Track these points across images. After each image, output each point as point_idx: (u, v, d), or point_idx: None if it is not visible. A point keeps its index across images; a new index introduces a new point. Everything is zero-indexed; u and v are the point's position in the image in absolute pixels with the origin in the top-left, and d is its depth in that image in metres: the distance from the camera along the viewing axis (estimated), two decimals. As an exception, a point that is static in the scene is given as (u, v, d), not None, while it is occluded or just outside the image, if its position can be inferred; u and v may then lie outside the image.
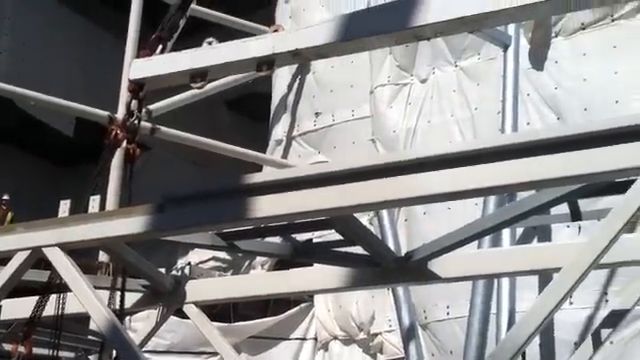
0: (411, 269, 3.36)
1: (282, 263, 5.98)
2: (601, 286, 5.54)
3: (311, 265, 3.93)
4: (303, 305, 7.60)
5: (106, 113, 7.35)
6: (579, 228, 3.36)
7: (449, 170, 2.57)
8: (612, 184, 2.68)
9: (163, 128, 7.53)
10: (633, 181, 2.32)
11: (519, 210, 3.22)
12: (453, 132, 6.76)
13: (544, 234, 5.57)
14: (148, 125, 7.11)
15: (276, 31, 2.94)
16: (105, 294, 3.37)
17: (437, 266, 3.47)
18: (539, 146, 2.45)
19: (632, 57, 5.93)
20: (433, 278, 3.43)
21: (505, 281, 5.57)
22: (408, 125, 7.07)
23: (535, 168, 2.46)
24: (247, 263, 8.02)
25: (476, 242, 4.37)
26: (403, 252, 5.65)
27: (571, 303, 5.45)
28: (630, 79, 5.88)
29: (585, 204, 3.34)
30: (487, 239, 4.99)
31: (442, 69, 7.00)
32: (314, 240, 5.74)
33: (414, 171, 2.61)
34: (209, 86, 3.30)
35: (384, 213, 6.51)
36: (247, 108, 11.19)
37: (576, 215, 3.26)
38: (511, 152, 2.49)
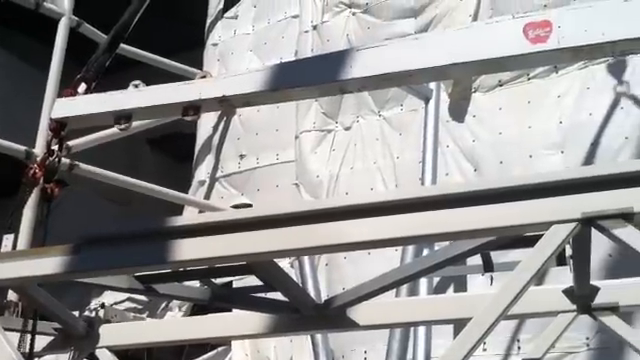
0: (330, 316, 3.40)
1: (200, 306, 5.89)
2: (513, 333, 5.71)
3: (230, 310, 3.90)
4: (220, 349, 7.47)
5: (23, 148, 7.13)
6: (491, 279, 3.49)
7: (369, 219, 2.64)
8: (521, 237, 2.80)
9: (82, 165, 7.35)
10: (541, 235, 2.44)
11: (435, 260, 3.32)
12: (375, 179, 6.89)
13: (460, 283, 5.73)
14: (67, 161, 6.93)
15: (204, 77, 2.98)
16: (14, 336, 3.26)
17: (356, 313, 3.52)
18: (456, 199, 2.55)
19: (545, 114, 6.22)
20: (351, 326, 3.47)
21: (422, 327, 5.67)
22: (331, 171, 7.17)
23: (452, 220, 2.56)
24: (164, 305, 7.85)
25: (394, 290, 4.46)
26: (323, 297, 5.69)
27: (485, 350, 5.60)
28: (543, 135, 6.16)
29: (497, 256, 3.48)
30: (405, 287, 5.08)
31: (366, 118, 7.17)
32: (234, 284, 5.69)
33: (335, 219, 2.66)
34: (132, 124, 3.28)
35: (305, 258, 6.54)
36: (170, 148, 11.08)
37: (488, 266, 3.38)
38: (430, 204, 2.57)
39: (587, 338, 5.41)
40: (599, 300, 3.19)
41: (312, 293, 6.20)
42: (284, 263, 6.72)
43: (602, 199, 2.30)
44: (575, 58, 3.05)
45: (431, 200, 2.58)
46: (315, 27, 7.64)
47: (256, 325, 3.58)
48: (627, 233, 2.26)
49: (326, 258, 6.81)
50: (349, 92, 3.10)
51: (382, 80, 2.94)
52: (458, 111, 6.63)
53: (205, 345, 7.40)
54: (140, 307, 7.73)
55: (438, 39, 2.88)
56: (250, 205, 8.21)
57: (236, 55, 8.34)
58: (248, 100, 3.04)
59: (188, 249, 2.76)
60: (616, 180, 2.30)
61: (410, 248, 5.56)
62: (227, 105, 3.06)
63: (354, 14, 7.40)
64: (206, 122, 8.37)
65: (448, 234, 2.69)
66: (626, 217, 2.26)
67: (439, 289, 5.89)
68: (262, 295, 3.52)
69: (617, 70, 5.98)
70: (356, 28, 7.32)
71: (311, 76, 2.99)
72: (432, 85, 6.50)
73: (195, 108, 2.93)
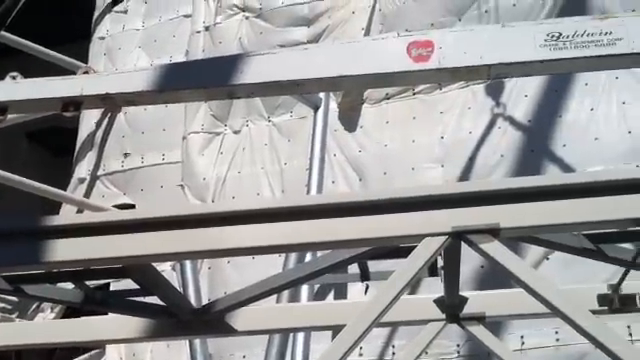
0: (208, 321, 3.38)
1: (74, 308, 5.70)
2: (388, 339, 5.88)
3: (105, 312, 3.79)
4: (93, 352, 7.23)
5: None
6: (366, 287, 3.61)
7: (252, 225, 2.64)
8: (397, 248, 2.90)
9: (-49, 155, 6.91)
10: (414, 247, 2.53)
11: (316, 267, 3.37)
12: (262, 184, 6.92)
13: (340, 291, 5.86)
14: None
15: (86, 72, 2.88)
16: None
17: (234, 319, 3.52)
18: (336, 209, 2.60)
19: (428, 129, 6.47)
20: (230, 331, 3.47)
21: (301, 333, 5.73)
22: (218, 174, 7.13)
23: (332, 229, 2.61)
24: (35, 306, 7.52)
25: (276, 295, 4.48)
26: (205, 301, 5.63)
27: (361, 355, 5.74)
28: (425, 149, 6.40)
29: (375, 264, 3.58)
30: (286, 293, 5.12)
31: (256, 122, 7.19)
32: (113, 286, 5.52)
33: (217, 224, 2.65)
34: (10, 115, 3.14)
35: (187, 261, 6.46)
36: (50, 142, 10.64)
37: (365, 275, 3.48)
38: (311, 212, 2.62)
39: (458, 345, 5.66)
40: (468, 310, 3.35)
41: (193, 297, 6.14)
42: (165, 266, 6.61)
43: (472, 214, 2.42)
44: (454, 78, 3.18)
45: (312, 209, 2.63)
46: (207, 28, 7.58)
47: (131, 329, 3.51)
48: (493, 248, 2.39)
49: (209, 262, 6.76)
50: (238, 97, 3.09)
51: (271, 88, 2.95)
52: (349, 121, 6.78)
53: (77, 348, 7.14)
54: (9, 307, 7.37)
55: (326, 51, 2.93)
56: (132, 206, 8.06)
57: (124, 51, 8.12)
58: (133, 99, 2.97)
59: (62, 250, 2.67)
60: (485, 197, 2.43)
61: (293, 254, 5.62)
62: (110, 103, 2.98)
63: (247, 18, 7.41)
64: (89, 118, 8.10)
65: (328, 243, 2.74)
66: (493, 232, 2.39)
67: (320, 296, 5.98)
68: (140, 299, 3.45)
69: (495, 91, 6.30)
70: (249, 32, 7.33)
71: (200, 79, 2.96)
72: (322, 94, 6.61)
73: (76, 104, 2.83)
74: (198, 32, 7.60)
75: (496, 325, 5.22)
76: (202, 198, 7.06)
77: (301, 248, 3.90)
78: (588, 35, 2.66)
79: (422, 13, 6.55)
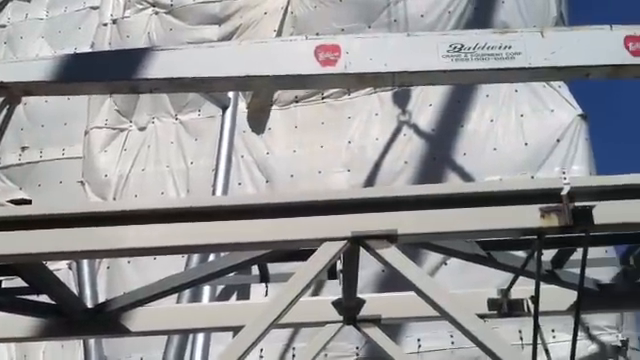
0: (101, 321, 3.28)
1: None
2: (289, 341, 5.89)
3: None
4: (-19, 353, 6.90)
5: None
6: (266, 289, 3.59)
7: (152, 225, 2.59)
8: (297, 251, 2.91)
9: None
10: (315, 250, 2.55)
11: (216, 268, 3.33)
12: (167, 183, 6.79)
13: (244, 292, 5.82)
14: None
15: (-20, 60, 2.75)
16: None
17: (130, 319, 3.43)
18: (242, 211, 2.58)
19: (336, 134, 6.54)
20: (123, 331, 3.38)
21: (200, 334, 5.66)
22: (121, 171, 6.95)
23: (232, 231, 2.59)
24: None
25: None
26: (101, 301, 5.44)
27: (261, 357, 5.73)
28: (333, 153, 6.46)
29: (278, 266, 3.59)
30: (186, 294, 5.04)
31: (162, 120, 7.06)
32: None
33: (113, 223, 2.58)
34: None
35: (84, 260, 6.26)
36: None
37: (265, 277, 3.47)
38: (215, 214, 2.59)
39: (357, 348, 5.73)
40: (365, 312, 3.40)
41: (89, 297, 5.96)
42: (62, 264, 6.39)
43: (371, 220, 2.46)
44: (360, 84, 3.23)
45: (216, 210, 2.60)
46: (115, 21, 7.38)
47: (21, 328, 3.37)
48: (390, 253, 2.43)
49: (108, 261, 6.57)
50: (141, 92, 3.03)
51: (176, 84, 2.91)
52: (257, 123, 6.76)
53: (-37, 349, 6.79)
54: None
55: (234, 50, 2.91)
56: (29, 201, 7.73)
57: (26, 40, 7.82)
58: (30, 89, 2.87)
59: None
60: (384, 203, 2.47)
61: (195, 255, 5.54)
62: (6, 93, 2.87)
63: (157, 14, 7.28)
64: (-15, 108, 7.73)
65: (230, 245, 2.72)
66: (390, 238, 2.43)
67: (223, 297, 5.92)
68: (33, 297, 3.32)
69: (402, 99, 6.45)
70: (158, 28, 7.20)
71: (101, 71, 2.88)
72: (230, 94, 6.56)
73: (-33, 92, 2.71)
74: (105, 25, 7.40)
75: (394, 328, 5.32)
76: (103, 195, 6.86)
77: (203, 249, 3.86)
78: (489, 48, 2.76)
79: (333, 18, 6.62)
